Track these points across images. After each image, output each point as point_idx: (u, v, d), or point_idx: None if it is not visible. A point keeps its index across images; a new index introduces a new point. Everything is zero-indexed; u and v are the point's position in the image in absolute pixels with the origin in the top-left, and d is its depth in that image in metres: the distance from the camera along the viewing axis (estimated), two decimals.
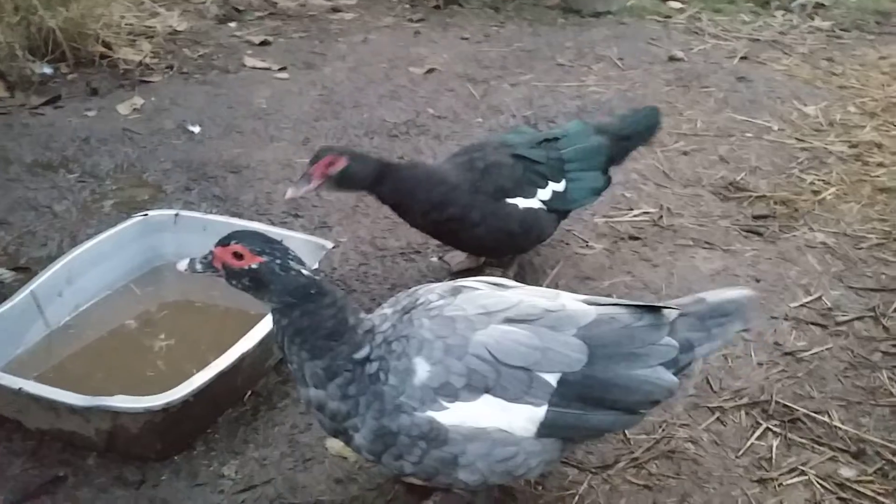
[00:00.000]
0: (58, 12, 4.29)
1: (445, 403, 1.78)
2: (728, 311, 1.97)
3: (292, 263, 1.79)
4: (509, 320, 1.85)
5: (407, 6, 5.39)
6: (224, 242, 1.82)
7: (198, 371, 2.20)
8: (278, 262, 1.78)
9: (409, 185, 2.60)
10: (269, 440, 2.30)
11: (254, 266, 1.78)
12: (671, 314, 1.95)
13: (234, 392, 2.39)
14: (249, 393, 2.43)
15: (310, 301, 1.79)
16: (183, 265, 1.88)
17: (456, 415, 1.79)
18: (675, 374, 1.90)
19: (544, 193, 2.72)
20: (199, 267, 1.86)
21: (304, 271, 1.80)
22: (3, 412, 2.31)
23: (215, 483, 2.18)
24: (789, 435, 2.32)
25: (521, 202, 2.68)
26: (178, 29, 4.82)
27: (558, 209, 2.78)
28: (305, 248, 2.69)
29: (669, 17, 5.35)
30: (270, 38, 4.88)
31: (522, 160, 2.71)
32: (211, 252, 1.84)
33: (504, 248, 2.81)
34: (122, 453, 2.23)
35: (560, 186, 2.74)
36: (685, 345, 1.92)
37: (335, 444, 2.24)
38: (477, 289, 1.96)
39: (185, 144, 3.76)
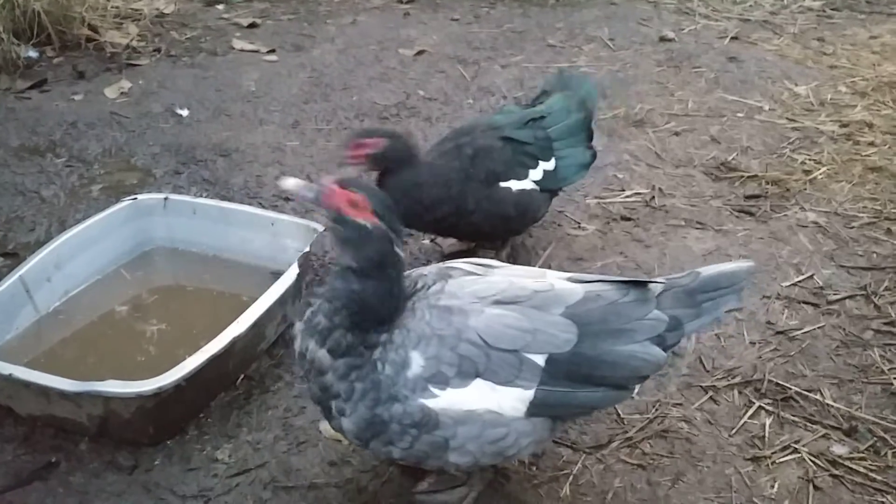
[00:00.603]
0: None
1: (436, 391, 1.78)
2: (721, 284, 1.95)
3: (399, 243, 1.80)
4: (499, 303, 1.84)
5: None
6: (345, 185, 1.77)
7: (189, 355, 2.18)
8: (393, 236, 1.79)
9: (409, 189, 2.54)
10: (263, 424, 2.29)
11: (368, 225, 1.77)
12: (657, 288, 1.94)
13: (227, 376, 2.38)
14: (242, 377, 2.42)
15: (384, 279, 1.80)
16: (291, 183, 1.79)
17: (446, 399, 1.79)
18: (664, 349, 1.89)
19: (536, 174, 2.70)
20: (311, 194, 1.78)
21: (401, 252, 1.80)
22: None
23: (209, 467, 2.18)
24: (782, 413, 2.33)
25: (514, 185, 2.66)
26: (165, 12, 4.76)
27: (550, 188, 2.77)
28: (297, 231, 2.68)
29: None
30: (259, 21, 4.83)
31: (511, 142, 2.69)
32: (327, 186, 1.78)
33: (500, 232, 2.80)
34: (115, 438, 2.22)
35: (550, 165, 2.73)
36: (673, 321, 1.91)
37: (329, 428, 2.23)
38: (464, 271, 1.95)
39: (174, 128, 3.73)
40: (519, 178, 2.67)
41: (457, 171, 2.60)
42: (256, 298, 2.37)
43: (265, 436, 2.26)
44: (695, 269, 2.00)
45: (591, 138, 2.89)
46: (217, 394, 2.36)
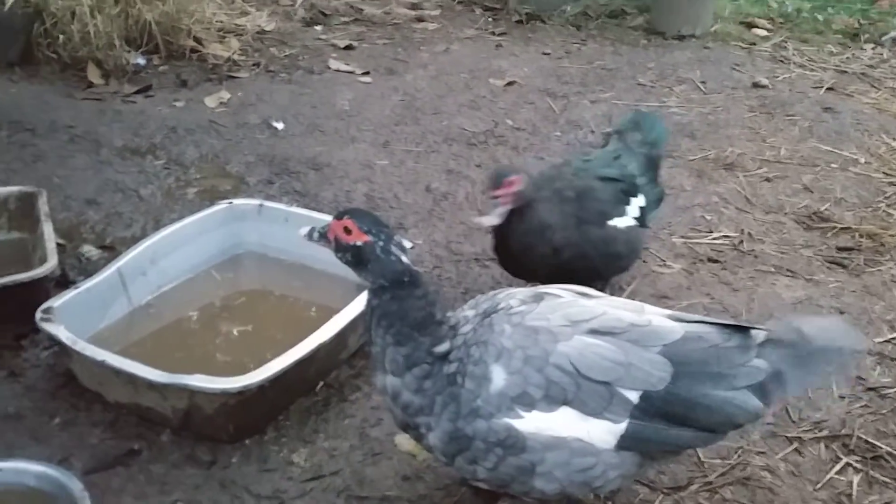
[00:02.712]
0: (154, 6, 4.44)
1: (522, 412, 1.78)
2: (832, 358, 1.90)
3: (394, 249, 1.84)
4: (593, 332, 1.83)
5: (490, 19, 5.43)
6: (338, 216, 1.89)
7: (271, 358, 2.21)
8: (381, 244, 1.83)
9: (541, 230, 2.49)
10: (339, 432, 2.31)
11: (358, 243, 1.84)
12: (759, 335, 1.90)
13: (307, 382, 2.41)
14: (321, 384, 2.45)
15: (402, 288, 1.83)
16: (304, 231, 1.96)
17: (534, 423, 1.78)
18: (763, 399, 1.85)
19: (633, 210, 2.69)
20: (315, 236, 1.93)
21: (404, 259, 1.85)
22: (85, 383, 2.37)
23: (284, 469, 2.20)
24: (871, 472, 2.24)
25: (619, 222, 2.65)
26: (267, 29, 4.92)
27: (644, 224, 2.76)
28: None
29: (754, 43, 5.26)
30: (355, 43, 4.95)
31: (607, 181, 2.67)
32: (328, 224, 1.91)
33: (612, 271, 2.75)
34: (196, 433, 2.26)
35: (641, 201, 2.72)
36: (776, 374, 1.86)
37: (404, 442, 2.24)
38: (560, 297, 1.95)
39: (269, 140, 3.83)
40: (621, 216, 2.66)
41: (569, 214, 2.55)
42: (340, 308, 2.40)
43: (341, 444, 2.27)
44: (794, 319, 1.95)
45: (657, 174, 2.89)
46: (297, 398, 2.39)
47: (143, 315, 2.63)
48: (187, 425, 2.26)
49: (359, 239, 1.84)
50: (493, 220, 2.41)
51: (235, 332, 2.63)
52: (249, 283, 2.84)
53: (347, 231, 1.86)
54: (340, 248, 1.88)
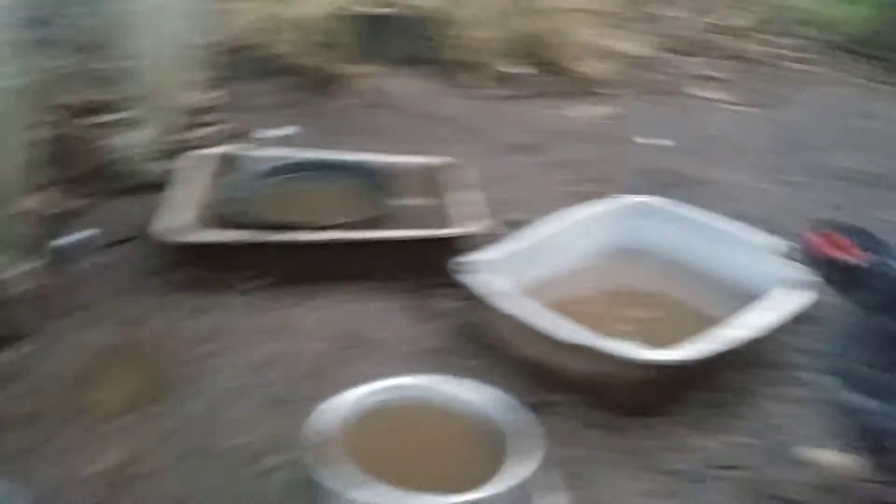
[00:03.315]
0: (533, 22, 4.77)
1: None
2: None
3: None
4: None
5: (874, 68, 5.18)
6: (831, 230, 1.77)
7: (667, 350, 2.24)
8: (883, 263, 1.72)
9: None
10: (742, 430, 2.29)
11: (855, 262, 1.73)
12: None
13: (713, 375, 2.41)
14: (723, 380, 2.43)
15: None
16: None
17: None
18: None
19: None
20: (792, 252, 1.86)
21: None
22: (496, 335, 2.54)
23: (683, 452, 2.21)
24: None
25: None
26: (638, 54, 5.07)
27: None
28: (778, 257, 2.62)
29: None
30: (726, 76, 4.96)
31: None
32: (811, 238, 1.80)
33: None
34: (596, 398, 2.33)
35: None
36: None
37: (815, 452, 2.17)
38: None
39: (642, 154, 3.94)
40: None
41: None
42: (729, 315, 2.39)
43: (745, 440, 2.25)
44: None
45: None
46: (699, 388, 2.39)
47: (539, 289, 2.75)
48: (592, 389, 2.33)
49: (855, 258, 1.73)
50: None
51: (631, 320, 2.64)
52: (639, 280, 2.89)
53: (839, 246, 1.74)
54: (827, 266, 1.77)
